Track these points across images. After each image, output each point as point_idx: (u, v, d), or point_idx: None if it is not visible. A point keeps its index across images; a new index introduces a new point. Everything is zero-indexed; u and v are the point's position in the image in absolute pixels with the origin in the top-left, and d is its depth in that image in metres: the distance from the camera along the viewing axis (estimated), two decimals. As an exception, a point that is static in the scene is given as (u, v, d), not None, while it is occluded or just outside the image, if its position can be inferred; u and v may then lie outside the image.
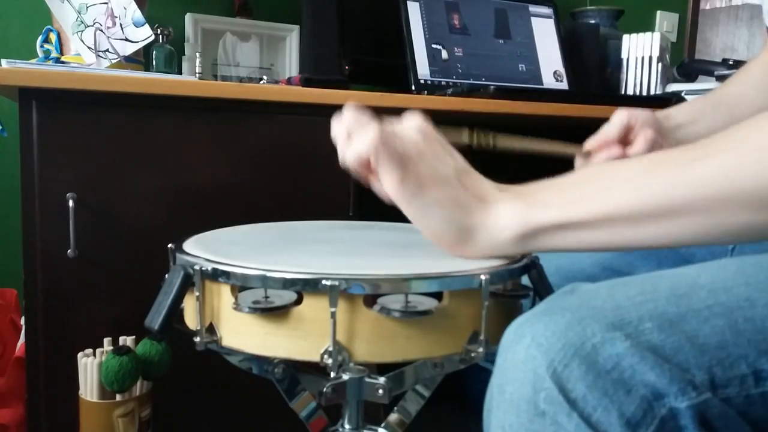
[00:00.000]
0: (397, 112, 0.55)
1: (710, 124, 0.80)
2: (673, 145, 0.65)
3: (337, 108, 0.53)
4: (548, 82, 1.49)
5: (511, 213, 0.49)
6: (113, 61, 1.13)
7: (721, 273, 0.45)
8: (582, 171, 0.49)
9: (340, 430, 0.62)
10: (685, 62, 1.72)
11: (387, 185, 0.50)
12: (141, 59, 1.21)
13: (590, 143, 0.78)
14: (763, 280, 0.43)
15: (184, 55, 1.38)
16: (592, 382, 0.38)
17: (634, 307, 0.41)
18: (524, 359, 0.40)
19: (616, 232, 0.46)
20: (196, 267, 0.51)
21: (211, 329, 0.52)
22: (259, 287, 0.50)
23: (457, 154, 0.54)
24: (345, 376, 0.53)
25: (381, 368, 0.54)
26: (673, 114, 0.81)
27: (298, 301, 0.49)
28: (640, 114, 0.76)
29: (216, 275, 0.50)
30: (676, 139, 0.78)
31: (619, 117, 0.76)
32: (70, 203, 0.91)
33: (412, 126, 0.53)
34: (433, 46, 1.35)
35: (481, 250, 0.51)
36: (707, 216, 0.42)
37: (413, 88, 1.29)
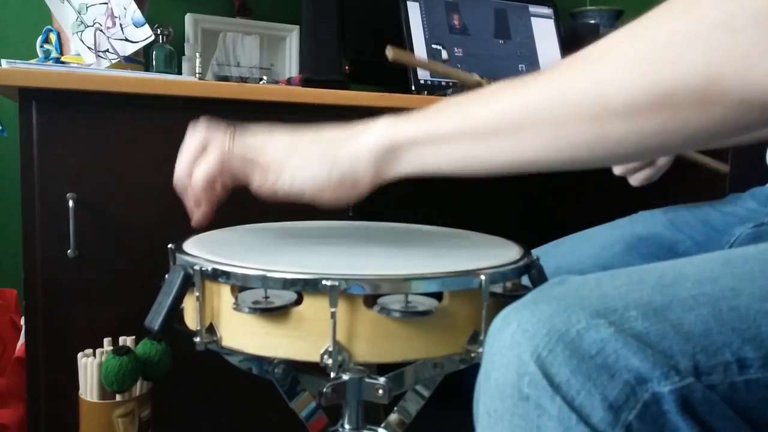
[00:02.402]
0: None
1: None
2: None
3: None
4: (548, 82, 1.49)
5: (377, 131, 0.52)
6: (113, 61, 1.13)
7: (708, 264, 0.45)
8: (450, 98, 0.53)
9: (340, 430, 0.62)
10: (684, 62, 1.72)
11: (263, 191, 0.56)
12: (141, 59, 1.21)
13: None
14: (748, 271, 0.43)
15: (184, 55, 1.38)
16: (576, 367, 0.38)
17: (620, 296, 0.42)
18: (510, 345, 0.40)
19: (470, 147, 0.48)
20: (196, 267, 0.51)
21: (211, 329, 0.52)
22: (259, 287, 0.50)
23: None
24: (345, 377, 0.53)
25: (381, 368, 0.54)
26: None
27: (298, 302, 0.49)
28: None
29: (216, 275, 0.50)
30: None
31: None
32: (70, 203, 0.91)
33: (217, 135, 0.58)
34: (433, 46, 1.35)
35: (362, 178, 0.53)
36: (552, 129, 0.44)
37: (413, 88, 1.29)
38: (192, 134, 0.59)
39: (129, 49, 1.14)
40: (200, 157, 0.58)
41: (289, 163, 0.55)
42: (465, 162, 0.49)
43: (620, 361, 0.38)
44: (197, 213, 0.61)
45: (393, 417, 0.65)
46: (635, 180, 0.89)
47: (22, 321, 1.07)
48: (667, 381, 0.37)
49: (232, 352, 0.52)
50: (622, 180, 0.91)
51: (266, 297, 0.50)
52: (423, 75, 1.31)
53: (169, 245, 0.58)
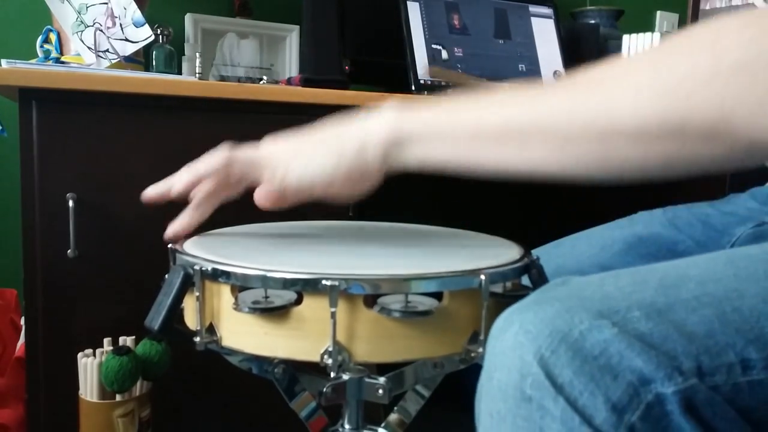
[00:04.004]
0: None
1: None
2: None
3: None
4: (548, 82, 1.48)
5: (386, 121, 0.52)
6: (113, 61, 1.13)
7: (711, 265, 0.45)
8: (460, 95, 0.52)
9: (340, 430, 0.62)
10: (684, 62, 1.72)
11: (270, 188, 0.57)
12: (141, 59, 1.21)
13: None
14: (752, 272, 0.43)
15: (184, 55, 1.38)
16: (579, 368, 0.38)
17: (623, 297, 0.42)
18: (512, 346, 0.40)
19: (479, 148, 0.48)
20: (196, 267, 0.51)
21: (211, 329, 0.52)
22: (259, 287, 0.50)
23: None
24: (345, 377, 0.53)
25: (381, 368, 0.54)
26: None
27: (298, 301, 0.49)
28: None
29: (216, 275, 0.50)
30: None
31: None
32: (70, 203, 0.91)
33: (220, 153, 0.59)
34: (433, 46, 1.34)
35: (370, 169, 0.53)
36: (560, 143, 0.45)
37: (413, 88, 1.29)
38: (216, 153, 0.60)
39: (129, 49, 1.14)
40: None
41: (296, 158, 0.55)
42: (472, 161, 0.49)
43: (623, 362, 0.38)
44: (186, 217, 0.61)
45: (393, 417, 0.65)
46: None
47: (22, 321, 1.07)
48: (670, 382, 0.37)
49: (232, 352, 0.52)
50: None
51: (266, 297, 0.50)
52: (423, 75, 1.31)
53: (169, 245, 0.58)
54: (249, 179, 0.57)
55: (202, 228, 0.64)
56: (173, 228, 0.61)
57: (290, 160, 0.55)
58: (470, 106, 0.50)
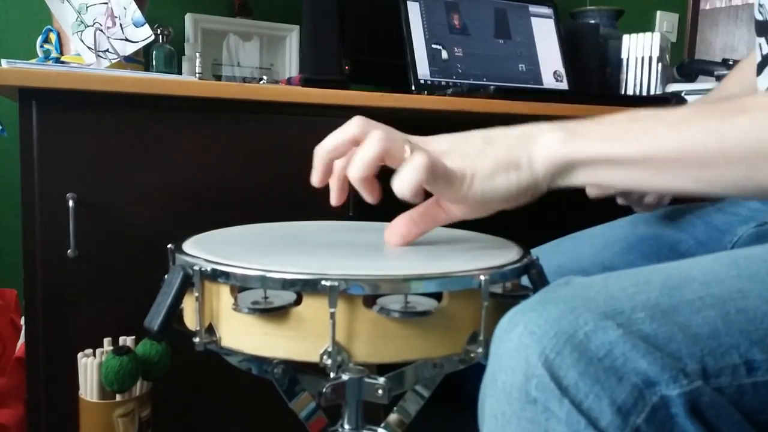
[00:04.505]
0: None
1: None
2: None
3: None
4: (548, 82, 1.48)
5: (554, 144, 0.51)
6: (113, 61, 1.13)
7: (714, 265, 0.45)
8: (622, 114, 0.52)
9: (340, 430, 0.62)
10: (685, 62, 1.72)
11: (448, 199, 0.54)
12: (141, 59, 1.21)
13: None
14: (755, 272, 0.43)
15: (184, 55, 1.38)
16: (584, 369, 0.38)
17: (627, 298, 0.42)
18: (516, 347, 0.40)
19: (652, 174, 0.48)
20: (196, 267, 0.51)
21: (210, 330, 0.52)
22: (258, 288, 0.50)
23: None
24: (344, 377, 0.53)
25: (381, 368, 0.53)
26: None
27: (298, 302, 0.49)
28: None
29: (215, 276, 0.50)
30: None
31: None
32: (70, 203, 0.91)
33: (392, 134, 0.53)
34: (433, 46, 1.34)
35: (541, 187, 0.53)
36: (742, 167, 0.45)
37: (413, 88, 1.29)
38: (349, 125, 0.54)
39: (129, 49, 1.14)
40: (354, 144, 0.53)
41: (477, 172, 0.52)
42: (640, 185, 0.50)
43: (628, 363, 0.38)
44: (335, 192, 0.57)
45: (393, 417, 0.65)
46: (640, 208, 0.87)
47: (22, 321, 1.07)
48: (675, 384, 0.37)
49: (232, 352, 0.52)
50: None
51: (266, 297, 0.50)
52: (423, 74, 1.31)
53: (169, 245, 0.58)
54: (435, 190, 0.53)
55: (202, 229, 0.64)
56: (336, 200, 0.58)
57: (473, 176, 0.52)
58: (643, 129, 0.49)
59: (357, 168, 0.51)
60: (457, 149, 0.53)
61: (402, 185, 0.50)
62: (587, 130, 0.51)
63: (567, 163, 0.51)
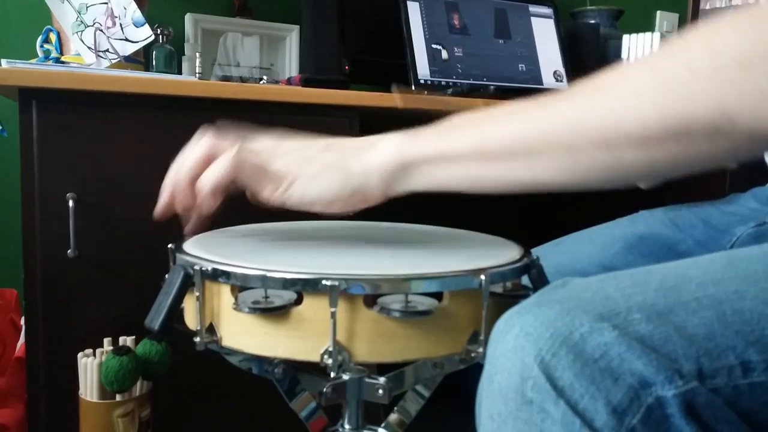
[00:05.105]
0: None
1: None
2: None
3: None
4: (548, 82, 1.48)
5: (390, 147, 0.52)
6: (113, 61, 1.13)
7: (711, 266, 0.45)
8: (469, 112, 0.52)
9: (340, 430, 0.62)
10: (685, 62, 1.72)
11: (265, 199, 0.55)
12: (141, 59, 1.21)
13: None
14: (752, 273, 0.43)
15: (184, 55, 1.38)
16: (580, 371, 0.38)
17: (623, 299, 0.42)
18: (513, 349, 0.40)
19: (484, 167, 0.49)
20: (196, 267, 0.51)
21: (211, 329, 0.52)
22: (259, 287, 0.50)
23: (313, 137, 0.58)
24: (345, 377, 0.53)
25: (381, 368, 0.54)
26: None
27: (298, 301, 0.49)
28: None
29: (216, 275, 0.50)
30: None
31: None
32: (70, 203, 0.91)
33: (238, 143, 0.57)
34: (433, 46, 1.34)
35: (373, 192, 0.54)
36: (566, 154, 0.45)
37: (413, 88, 1.29)
38: (200, 139, 0.58)
39: (129, 49, 1.14)
40: (209, 163, 0.57)
41: (301, 174, 0.55)
42: (477, 181, 0.50)
43: (624, 364, 0.38)
44: (193, 221, 0.60)
45: (393, 417, 0.65)
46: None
47: (22, 321, 1.07)
48: (671, 385, 0.37)
49: (232, 352, 0.52)
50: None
51: (266, 297, 0.50)
52: (423, 74, 1.31)
53: (169, 245, 0.58)
54: (249, 186, 0.56)
55: (202, 229, 0.64)
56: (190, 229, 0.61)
57: (295, 173, 0.55)
58: (473, 125, 0.50)
59: (207, 178, 0.55)
60: (293, 153, 0.56)
61: (201, 181, 0.55)
62: (424, 132, 0.52)
63: (402, 165, 0.52)
